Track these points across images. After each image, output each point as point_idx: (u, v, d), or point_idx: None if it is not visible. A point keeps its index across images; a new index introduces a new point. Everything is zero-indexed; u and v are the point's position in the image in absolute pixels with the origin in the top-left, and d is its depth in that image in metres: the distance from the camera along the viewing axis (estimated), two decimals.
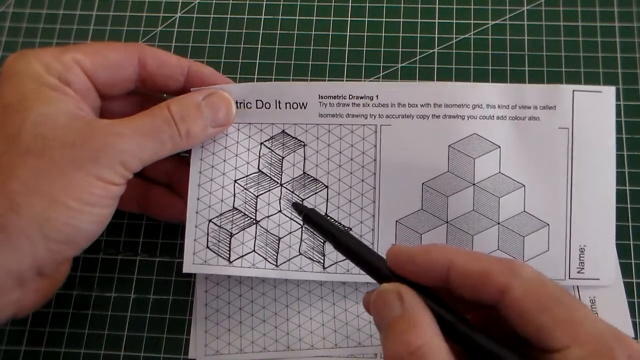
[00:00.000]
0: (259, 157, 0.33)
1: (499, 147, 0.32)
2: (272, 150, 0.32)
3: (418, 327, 0.21)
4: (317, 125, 0.32)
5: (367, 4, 0.39)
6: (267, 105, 0.32)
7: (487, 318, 0.24)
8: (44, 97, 0.27)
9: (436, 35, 0.38)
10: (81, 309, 0.34)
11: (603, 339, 0.20)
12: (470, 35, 0.38)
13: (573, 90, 0.31)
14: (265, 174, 0.32)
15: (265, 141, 0.33)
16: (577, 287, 0.32)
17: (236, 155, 0.32)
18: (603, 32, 0.37)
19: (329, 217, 0.32)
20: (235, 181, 0.32)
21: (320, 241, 0.32)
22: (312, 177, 0.32)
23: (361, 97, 0.32)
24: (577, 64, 0.37)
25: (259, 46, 0.38)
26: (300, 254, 0.32)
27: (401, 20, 0.38)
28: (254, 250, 0.31)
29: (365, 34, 0.38)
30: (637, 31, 0.37)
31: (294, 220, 0.32)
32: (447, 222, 0.32)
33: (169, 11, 0.40)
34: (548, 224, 0.32)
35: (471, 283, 0.22)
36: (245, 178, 0.32)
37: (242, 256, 0.31)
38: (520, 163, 0.32)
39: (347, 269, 0.32)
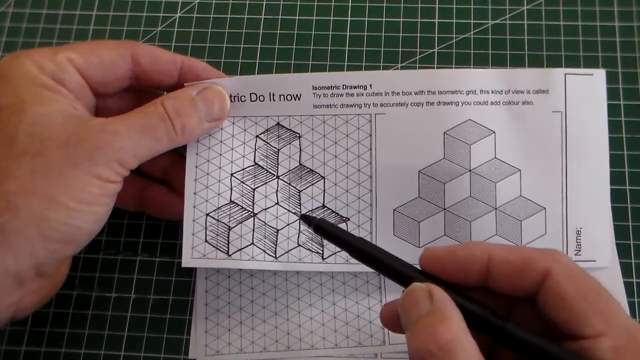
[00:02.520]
0: (255, 150, 0.33)
1: (494, 132, 0.32)
2: (268, 143, 0.32)
3: (447, 322, 0.21)
4: (312, 117, 0.32)
5: (367, 4, 0.39)
6: (261, 98, 0.32)
7: (516, 316, 0.24)
8: (39, 98, 0.27)
9: (436, 35, 0.38)
10: (81, 309, 0.34)
11: (634, 335, 0.21)
12: (470, 35, 0.38)
13: (565, 74, 0.32)
14: (262, 167, 0.32)
15: (260, 134, 0.33)
16: None
17: (232, 149, 0.32)
18: (603, 32, 0.37)
19: (326, 208, 0.32)
20: (231, 175, 0.32)
21: None
22: (308, 168, 0.32)
23: (355, 87, 0.32)
24: (577, 64, 0.37)
25: (259, 46, 0.38)
26: (299, 245, 0.32)
27: (401, 20, 0.38)
28: (252, 243, 0.31)
29: (365, 33, 0.38)
30: (637, 31, 0.37)
31: (292, 212, 0.32)
32: (444, 209, 0.32)
33: (169, 11, 0.40)
34: (544, 208, 0.32)
35: (513, 271, 0.23)
36: (241, 171, 0.32)
37: (241, 249, 0.31)
38: (515, 148, 0.32)
39: (346, 259, 0.32)
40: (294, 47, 0.38)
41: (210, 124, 0.31)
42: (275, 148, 0.33)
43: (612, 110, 0.35)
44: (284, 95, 0.32)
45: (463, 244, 0.24)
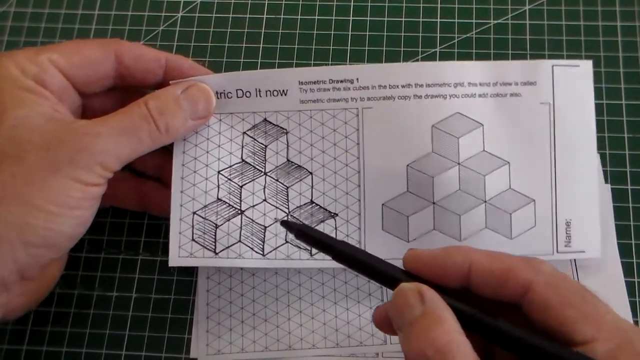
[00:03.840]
0: (242, 146, 0.32)
1: (482, 125, 0.31)
2: (255, 139, 0.32)
3: (442, 324, 0.21)
4: (299, 112, 0.32)
5: (369, 3, 0.39)
6: (248, 94, 0.32)
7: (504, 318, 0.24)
8: (20, 100, 0.27)
9: (438, 35, 0.38)
10: (83, 309, 0.34)
11: (626, 335, 0.21)
12: (472, 34, 0.38)
13: (552, 65, 0.31)
14: (249, 164, 0.32)
15: (247, 130, 0.32)
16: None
17: (219, 146, 0.32)
18: (605, 32, 0.37)
19: (314, 204, 0.32)
20: (218, 172, 0.32)
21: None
22: (295, 164, 0.32)
23: (341, 81, 0.32)
24: None
25: (261, 45, 0.38)
26: (286, 242, 0.32)
27: (403, 19, 0.38)
28: (239, 241, 0.31)
29: (367, 33, 0.38)
30: (639, 30, 0.37)
31: (280, 209, 0.32)
32: (433, 203, 0.31)
33: (171, 10, 0.40)
34: (534, 200, 0.32)
35: (494, 281, 0.22)
36: (228, 169, 0.32)
37: (228, 247, 0.31)
38: (503, 140, 0.32)
39: None
40: (296, 46, 0.38)
41: (196, 122, 0.31)
42: (263, 144, 0.32)
43: (613, 109, 0.35)
44: (270, 91, 0.32)
45: (445, 248, 0.24)
